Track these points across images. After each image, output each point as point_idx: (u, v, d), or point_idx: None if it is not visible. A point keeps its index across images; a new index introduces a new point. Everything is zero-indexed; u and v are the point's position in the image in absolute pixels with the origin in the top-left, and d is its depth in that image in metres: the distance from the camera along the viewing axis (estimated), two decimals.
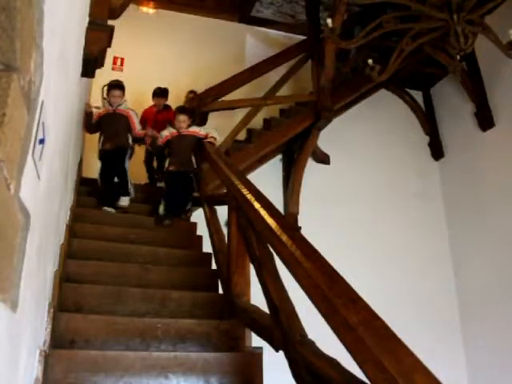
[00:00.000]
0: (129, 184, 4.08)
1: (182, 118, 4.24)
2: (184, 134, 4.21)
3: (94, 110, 4.17)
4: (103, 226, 3.54)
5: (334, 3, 4.59)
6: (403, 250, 5.39)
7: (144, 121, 4.83)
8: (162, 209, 4.05)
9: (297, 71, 5.70)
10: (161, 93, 5.07)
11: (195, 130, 4.27)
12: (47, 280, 1.85)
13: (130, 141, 4.18)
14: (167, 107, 5.05)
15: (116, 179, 4.10)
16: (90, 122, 4.11)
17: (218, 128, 5.43)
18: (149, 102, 5.10)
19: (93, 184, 4.21)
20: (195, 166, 4.25)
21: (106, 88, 4.20)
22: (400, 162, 5.94)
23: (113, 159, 4.06)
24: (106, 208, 3.94)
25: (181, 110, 4.38)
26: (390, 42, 4.91)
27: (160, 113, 4.97)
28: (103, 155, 4.13)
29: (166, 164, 4.28)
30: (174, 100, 5.00)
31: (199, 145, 4.21)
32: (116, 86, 4.24)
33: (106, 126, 4.11)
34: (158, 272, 3.12)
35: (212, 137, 4.20)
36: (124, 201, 4.01)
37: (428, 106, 6.36)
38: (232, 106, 5.08)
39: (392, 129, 6.06)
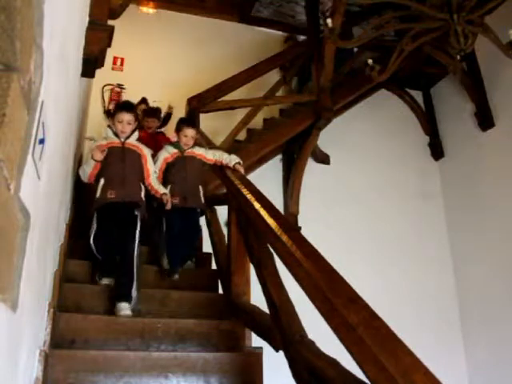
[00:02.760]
0: (134, 280, 2.62)
1: (191, 133, 3.30)
2: (188, 155, 3.28)
3: (91, 144, 3.13)
4: None
5: (334, 3, 4.59)
6: (403, 250, 5.39)
7: None
8: (165, 263, 3.14)
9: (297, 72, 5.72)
10: (151, 112, 4.29)
11: (200, 152, 3.34)
12: (47, 280, 1.86)
13: (143, 195, 2.95)
14: (159, 134, 4.24)
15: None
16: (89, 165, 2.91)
17: (218, 128, 5.46)
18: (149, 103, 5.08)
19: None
20: (203, 201, 3.31)
21: (109, 109, 3.21)
22: (400, 162, 5.94)
23: (118, 219, 2.82)
24: (104, 281, 2.81)
25: (188, 122, 3.46)
26: (390, 41, 4.91)
27: (152, 138, 4.01)
28: (103, 209, 2.84)
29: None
30: (174, 100, 4.99)
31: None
32: (124, 105, 3.09)
33: (109, 165, 2.90)
34: None
35: (238, 163, 3.18)
36: (123, 309, 2.51)
37: (428, 106, 6.36)
38: (232, 106, 5.08)
39: (392, 129, 6.06)
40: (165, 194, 3.07)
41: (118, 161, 2.89)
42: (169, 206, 3.05)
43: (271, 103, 5.52)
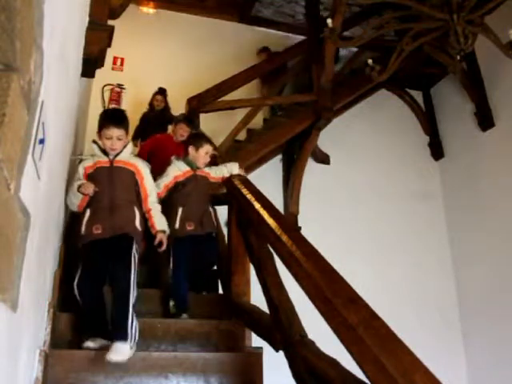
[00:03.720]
0: (129, 317, 2.03)
1: (210, 149, 2.93)
2: (200, 174, 2.88)
3: (77, 164, 2.53)
4: None
5: (334, 3, 4.58)
6: (403, 250, 5.39)
7: (150, 153, 3.58)
8: (172, 306, 2.64)
9: (297, 71, 5.72)
10: (189, 120, 3.91)
11: (207, 170, 2.95)
12: (47, 280, 1.86)
13: (138, 222, 2.35)
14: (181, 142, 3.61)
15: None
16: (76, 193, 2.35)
17: (218, 128, 5.46)
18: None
19: None
20: (215, 223, 2.97)
21: (100, 119, 2.42)
22: (400, 162, 5.94)
23: (107, 256, 2.22)
24: (88, 344, 2.08)
25: (207, 137, 3.05)
26: (390, 41, 4.91)
27: (179, 147, 3.29)
28: (87, 247, 2.27)
29: (176, 222, 2.70)
30: (174, 101, 5.00)
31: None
32: (113, 117, 2.48)
33: (96, 192, 2.35)
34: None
35: (238, 173, 2.96)
36: (119, 351, 1.94)
37: (428, 106, 6.36)
38: (232, 106, 5.08)
39: (392, 129, 6.06)
40: (162, 231, 2.46)
41: (106, 184, 2.35)
42: (163, 248, 2.47)
43: (271, 103, 5.52)
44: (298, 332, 1.87)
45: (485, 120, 5.39)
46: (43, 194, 1.34)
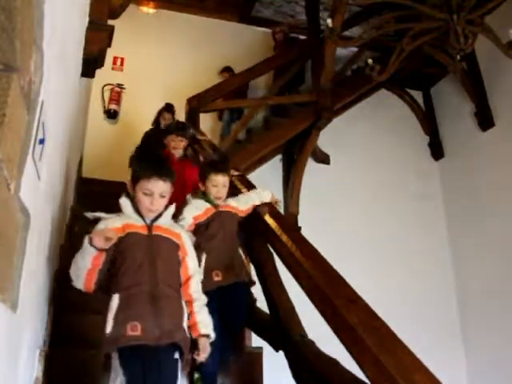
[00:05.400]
0: None
1: (223, 181, 2.30)
2: (224, 210, 2.31)
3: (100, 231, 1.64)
4: None
5: (334, 3, 4.58)
6: (403, 250, 5.39)
7: None
8: (197, 380, 2.09)
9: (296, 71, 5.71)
10: (182, 127, 3.37)
11: (234, 204, 2.37)
12: (47, 280, 1.86)
13: (186, 324, 1.67)
14: (185, 160, 3.25)
15: None
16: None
17: (218, 128, 5.46)
18: (148, 104, 5.03)
19: (93, 184, 4.11)
20: (248, 270, 2.33)
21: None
22: (400, 162, 5.94)
23: (144, 369, 1.53)
24: None
25: (216, 166, 2.36)
26: (390, 41, 4.91)
27: (179, 167, 2.89)
28: (123, 351, 1.55)
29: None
30: (174, 101, 4.98)
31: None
32: (158, 165, 1.81)
33: (127, 269, 1.63)
34: None
35: (276, 201, 2.51)
36: None
37: (428, 106, 6.36)
38: (232, 106, 5.08)
39: (392, 129, 6.06)
40: (206, 336, 1.72)
41: (144, 259, 1.65)
42: (203, 357, 1.71)
43: (271, 103, 5.52)
44: (298, 332, 1.87)
45: (485, 120, 5.39)
46: (43, 193, 1.34)
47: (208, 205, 2.25)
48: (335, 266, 1.66)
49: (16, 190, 0.87)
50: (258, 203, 2.42)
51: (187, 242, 1.82)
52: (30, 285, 1.26)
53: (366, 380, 1.23)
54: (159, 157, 2.20)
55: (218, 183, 2.25)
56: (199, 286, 1.79)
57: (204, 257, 2.10)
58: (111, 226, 1.66)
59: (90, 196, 3.88)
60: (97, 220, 1.71)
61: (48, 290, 1.94)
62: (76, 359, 2.06)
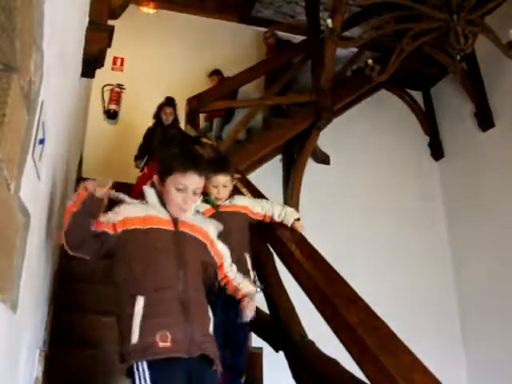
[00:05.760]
0: None
1: (223, 181, 2.20)
2: (227, 210, 2.22)
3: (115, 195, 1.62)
4: None
5: (334, 3, 4.59)
6: (403, 250, 5.39)
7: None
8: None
9: (297, 71, 5.71)
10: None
11: (245, 203, 2.29)
12: (47, 280, 1.86)
13: (211, 327, 1.54)
14: None
15: None
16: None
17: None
18: (148, 104, 5.00)
19: None
20: (257, 281, 2.21)
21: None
22: (400, 163, 5.94)
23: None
24: None
25: (216, 165, 2.21)
26: (390, 41, 4.91)
27: None
28: (152, 367, 1.37)
29: None
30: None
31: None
32: (195, 159, 1.65)
33: (157, 269, 1.49)
34: None
35: (297, 219, 2.23)
36: None
37: (428, 107, 6.35)
38: (232, 106, 5.07)
39: (392, 129, 6.06)
40: (249, 295, 1.71)
41: (171, 259, 1.52)
42: (249, 316, 1.72)
43: (271, 103, 5.52)
44: (298, 332, 1.87)
45: (485, 120, 5.39)
46: (43, 193, 1.34)
47: (207, 206, 2.18)
48: (335, 266, 1.66)
49: (16, 189, 0.87)
50: (277, 220, 2.25)
51: (211, 230, 1.70)
52: (30, 285, 1.26)
53: (366, 380, 1.23)
54: (197, 151, 2.03)
55: (218, 184, 2.18)
56: (230, 261, 1.76)
57: None
58: (132, 213, 1.54)
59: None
60: (116, 202, 1.59)
61: (48, 290, 1.94)
62: (76, 359, 2.06)
